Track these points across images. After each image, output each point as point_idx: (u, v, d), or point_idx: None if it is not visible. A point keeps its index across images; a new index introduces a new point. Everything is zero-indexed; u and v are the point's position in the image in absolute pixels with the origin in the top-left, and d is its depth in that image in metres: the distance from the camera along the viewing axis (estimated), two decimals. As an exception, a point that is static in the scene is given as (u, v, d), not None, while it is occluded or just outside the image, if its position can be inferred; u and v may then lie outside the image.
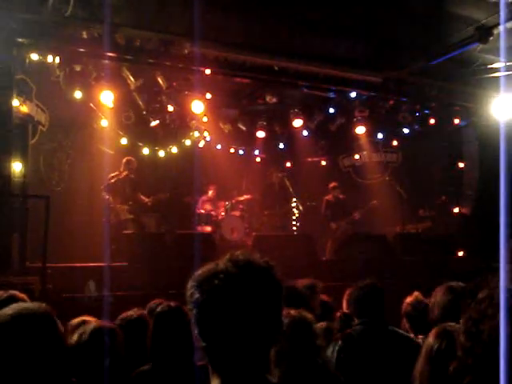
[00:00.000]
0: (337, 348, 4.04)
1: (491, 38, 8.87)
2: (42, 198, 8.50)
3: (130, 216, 10.97)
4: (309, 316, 3.40)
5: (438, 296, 3.96)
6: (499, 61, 10.18)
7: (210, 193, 13.16)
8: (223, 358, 1.70)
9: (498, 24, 8.68)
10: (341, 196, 12.71)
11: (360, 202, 12.93)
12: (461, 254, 11.69)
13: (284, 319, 3.30)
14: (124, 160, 11.24)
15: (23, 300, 4.18)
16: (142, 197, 11.28)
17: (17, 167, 8.66)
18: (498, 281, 1.71)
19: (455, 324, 2.55)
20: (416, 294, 5.01)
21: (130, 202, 11.04)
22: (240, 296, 1.68)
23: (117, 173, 10.97)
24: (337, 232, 12.39)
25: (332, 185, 12.84)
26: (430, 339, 2.60)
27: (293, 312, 3.36)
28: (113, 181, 10.79)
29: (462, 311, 1.81)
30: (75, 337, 3.29)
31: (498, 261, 1.80)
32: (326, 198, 12.79)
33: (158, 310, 3.77)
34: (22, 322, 2.05)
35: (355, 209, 12.60)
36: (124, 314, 4.03)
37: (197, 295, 1.71)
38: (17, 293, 4.20)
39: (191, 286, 1.74)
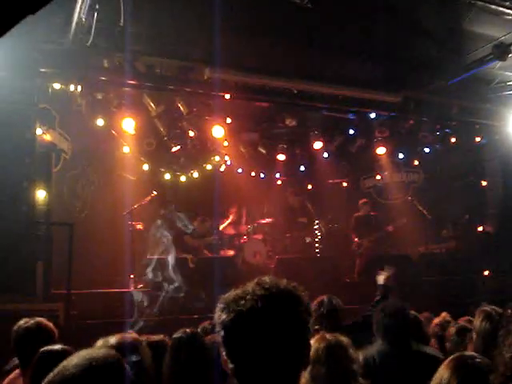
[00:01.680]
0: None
1: (510, 55, 8.85)
2: (65, 225, 8.58)
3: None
4: (345, 340, 3.34)
5: (477, 323, 3.91)
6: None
7: (232, 216, 13.17)
8: (251, 379, 1.70)
9: (517, 41, 8.68)
10: (372, 212, 12.70)
11: (382, 222, 12.84)
12: (486, 273, 11.53)
13: (320, 343, 3.28)
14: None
15: (49, 328, 4.21)
16: None
17: (41, 195, 8.74)
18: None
19: (473, 354, 2.47)
20: (444, 314, 4.97)
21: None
22: (267, 318, 1.68)
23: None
24: (359, 249, 12.34)
25: (362, 201, 12.84)
26: (444, 372, 2.47)
27: (328, 336, 3.32)
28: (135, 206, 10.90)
29: (499, 339, 1.78)
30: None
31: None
32: (356, 214, 12.78)
33: (174, 336, 3.75)
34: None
35: (379, 228, 12.54)
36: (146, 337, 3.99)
37: (224, 317, 1.72)
38: (43, 320, 4.23)
39: (219, 308, 1.76)
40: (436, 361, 3.96)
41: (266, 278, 1.78)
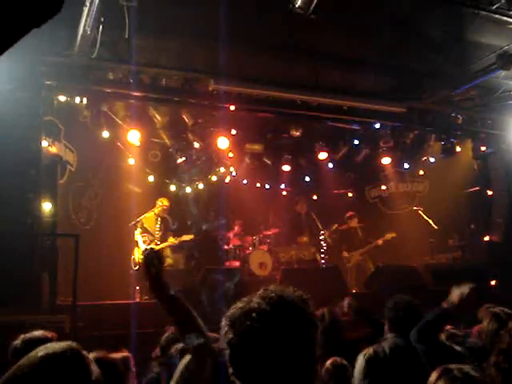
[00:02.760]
0: (366, 357, 3.96)
1: (514, 65, 8.87)
2: (71, 236, 8.59)
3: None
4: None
5: (485, 323, 3.89)
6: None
7: (237, 228, 13.18)
8: None
9: (521, 50, 8.69)
10: (359, 224, 12.71)
11: (387, 233, 12.82)
12: (493, 282, 11.47)
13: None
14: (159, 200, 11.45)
15: (53, 339, 4.18)
16: (171, 238, 11.29)
17: (46, 207, 8.76)
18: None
19: (465, 367, 2.41)
20: (448, 327, 4.93)
21: (158, 242, 11.13)
22: (273, 336, 1.66)
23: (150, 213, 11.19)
24: (349, 263, 12.36)
25: (349, 214, 12.93)
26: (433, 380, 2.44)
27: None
28: (140, 218, 10.93)
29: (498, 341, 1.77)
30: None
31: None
32: (341, 227, 12.92)
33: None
34: (50, 365, 1.85)
35: (367, 241, 12.59)
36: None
37: (230, 335, 1.70)
38: (46, 332, 4.21)
39: (224, 325, 1.73)
40: (453, 353, 3.94)
41: (271, 289, 1.76)
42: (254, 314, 1.68)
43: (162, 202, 11.37)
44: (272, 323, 1.67)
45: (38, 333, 4.08)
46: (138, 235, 10.97)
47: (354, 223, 12.79)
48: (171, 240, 11.11)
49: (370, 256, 12.50)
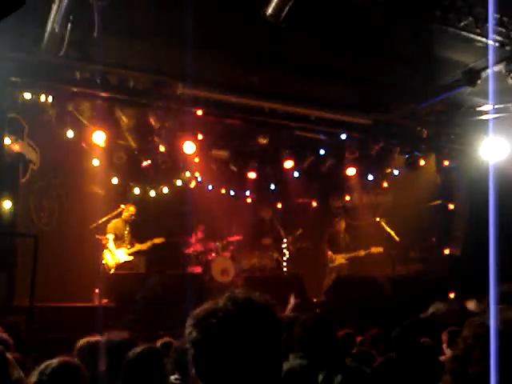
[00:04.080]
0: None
1: (479, 82, 9.02)
2: (30, 236, 8.46)
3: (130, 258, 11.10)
4: None
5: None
6: (488, 103, 10.31)
7: (200, 233, 13.12)
8: None
9: (486, 67, 8.83)
10: (341, 228, 12.84)
11: (356, 244, 12.92)
12: (452, 295, 11.63)
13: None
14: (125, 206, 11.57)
15: (5, 340, 4.11)
16: (138, 244, 11.32)
17: (6, 205, 8.61)
18: (485, 318, 1.70)
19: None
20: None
21: (129, 246, 11.15)
22: (238, 335, 1.64)
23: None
24: (332, 263, 12.46)
25: (337, 218, 13.03)
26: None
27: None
28: (103, 220, 10.86)
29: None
30: (34, 377, 3.06)
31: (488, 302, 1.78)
32: (331, 229, 13.10)
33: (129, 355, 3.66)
34: None
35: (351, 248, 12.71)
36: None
37: (194, 334, 1.67)
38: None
39: (189, 324, 1.70)
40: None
41: (238, 293, 1.74)
42: (220, 314, 1.66)
43: (129, 209, 11.44)
44: (237, 323, 1.65)
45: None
46: (110, 240, 11.05)
47: (342, 226, 12.87)
48: (141, 245, 11.19)
49: (350, 263, 12.62)
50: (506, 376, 1.57)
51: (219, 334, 1.64)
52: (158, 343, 4.99)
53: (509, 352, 1.60)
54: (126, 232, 11.41)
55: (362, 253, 12.54)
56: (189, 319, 1.72)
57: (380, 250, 12.54)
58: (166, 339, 5.23)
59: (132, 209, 11.60)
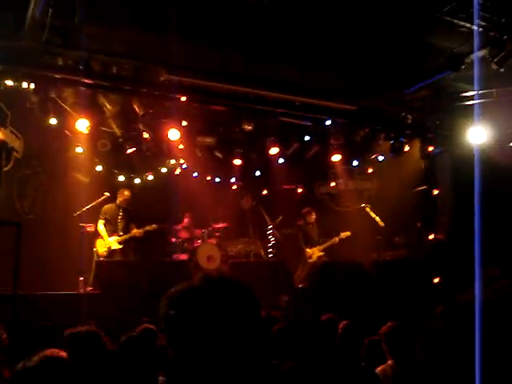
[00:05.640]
0: None
1: (463, 67, 9.03)
2: (12, 224, 8.40)
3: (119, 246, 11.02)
4: None
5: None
6: (473, 89, 10.35)
7: (186, 221, 13.09)
8: (196, 379, 1.62)
9: (470, 53, 8.85)
10: (312, 220, 12.79)
11: (336, 229, 12.94)
12: (436, 280, 11.71)
13: None
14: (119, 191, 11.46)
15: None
16: (135, 229, 11.22)
17: (-11, 194, 8.55)
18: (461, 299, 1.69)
19: None
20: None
21: (121, 233, 11.07)
22: (213, 311, 1.62)
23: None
24: (311, 258, 12.42)
25: (306, 209, 12.96)
26: None
27: None
28: (87, 207, 10.78)
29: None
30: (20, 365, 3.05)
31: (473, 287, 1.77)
32: (300, 223, 12.89)
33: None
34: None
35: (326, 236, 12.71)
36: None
37: (169, 312, 1.65)
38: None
39: (163, 304, 1.68)
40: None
41: (212, 272, 1.73)
42: (193, 291, 1.66)
43: (123, 194, 11.29)
44: (211, 298, 1.64)
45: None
46: (101, 225, 10.96)
47: (312, 219, 12.86)
48: (135, 231, 11.07)
49: (329, 251, 12.63)
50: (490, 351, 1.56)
51: (193, 310, 1.62)
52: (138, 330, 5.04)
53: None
54: (120, 217, 11.22)
55: (337, 239, 12.59)
56: (162, 299, 1.69)
57: (348, 233, 12.65)
58: (146, 326, 5.28)
59: (127, 193, 11.37)
